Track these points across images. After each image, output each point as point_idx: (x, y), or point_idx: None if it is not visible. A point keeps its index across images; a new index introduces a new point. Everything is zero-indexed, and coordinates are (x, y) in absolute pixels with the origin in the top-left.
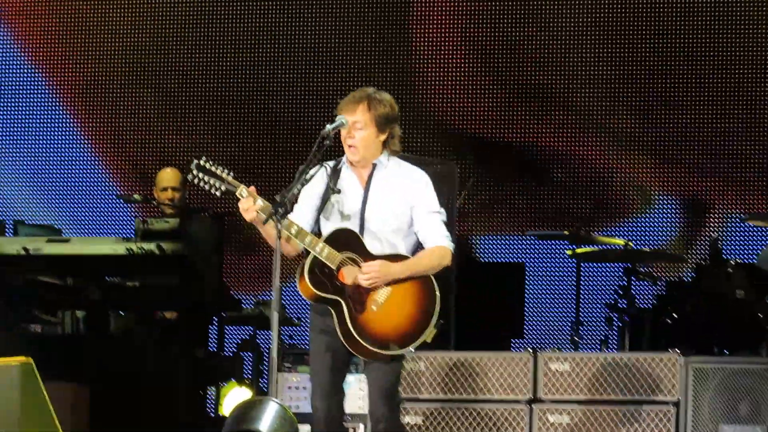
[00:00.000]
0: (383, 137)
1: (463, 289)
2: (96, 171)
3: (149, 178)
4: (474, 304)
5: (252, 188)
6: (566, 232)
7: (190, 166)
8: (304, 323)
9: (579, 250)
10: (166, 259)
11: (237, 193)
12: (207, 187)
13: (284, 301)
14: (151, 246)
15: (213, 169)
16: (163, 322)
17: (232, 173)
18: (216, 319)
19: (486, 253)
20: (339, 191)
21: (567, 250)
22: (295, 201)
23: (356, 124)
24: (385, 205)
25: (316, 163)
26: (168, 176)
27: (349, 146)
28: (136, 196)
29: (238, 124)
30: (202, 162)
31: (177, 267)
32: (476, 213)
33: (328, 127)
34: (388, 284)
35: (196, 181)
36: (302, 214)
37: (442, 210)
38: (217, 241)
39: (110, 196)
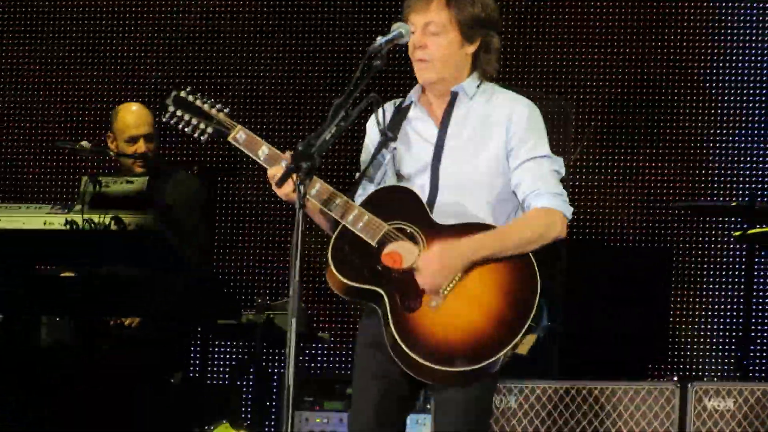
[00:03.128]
0: (472, 48)
1: (576, 286)
2: (20, 105)
3: (101, 119)
4: (592, 309)
5: (289, 154)
6: (734, 203)
7: (165, 101)
8: (341, 341)
9: (753, 231)
10: (127, 237)
11: (231, 137)
12: (189, 129)
13: (310, 302)
14: (105, 218)
15: (198, 103)
16: (120, 333)
17: (226, 109)
18: (201, 330)
19: (612, 233)
20: (394, 138)
21: (734, 230)
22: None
23: (429, 26)
24: (468, 150)
25: (359, 97)
26: (136, 119)
27: (419, 60)
28: (83, 144)
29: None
30: (183, 94)
31: (144, 250)
32: (599, 173)
33: (380, 39)
34: None
35: (173, 121)
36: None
37: (555, 157)
38: (205, 212)
39: (42, 145)
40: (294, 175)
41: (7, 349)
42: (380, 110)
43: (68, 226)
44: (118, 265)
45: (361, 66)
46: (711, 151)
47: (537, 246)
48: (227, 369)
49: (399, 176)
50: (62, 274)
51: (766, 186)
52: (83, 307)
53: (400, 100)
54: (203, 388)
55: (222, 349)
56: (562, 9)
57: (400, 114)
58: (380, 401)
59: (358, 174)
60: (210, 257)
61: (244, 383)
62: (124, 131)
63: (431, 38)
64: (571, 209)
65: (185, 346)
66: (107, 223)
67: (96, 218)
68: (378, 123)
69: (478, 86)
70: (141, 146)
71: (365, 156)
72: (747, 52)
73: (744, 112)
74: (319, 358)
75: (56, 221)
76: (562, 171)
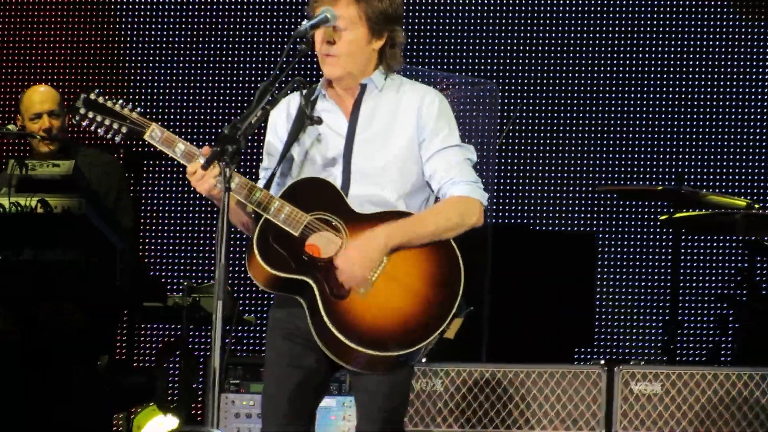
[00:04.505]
0: (378, 44)
1: (503, 272)
2: None
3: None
4: (518, 295)
5: (206, 149)
6: (659, 188)
7: (75, 104)
8: (264, 321)
9: (678, 215)
10: (54, 220)
11: (146, 136)
12: (101, 130)
13: (235, 286)
14: (31, 201)
15: (109, 105)
16: (45, 317)
17: (139, 109)
18: (127, 313)
19: (538, 217)
20: (320, 121)
21: (661, 214)
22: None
23: (338, 22)
24: (378, 142)
25: (285, 82)
26: (40, 96)
27: (326, 55)
28: (9, 127)
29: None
30: (92, 96)
31: (71, 233)
32: (525, 157)
33: (306, 23)
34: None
35: (85, 123)
36: (261, 167)
37: (467, 145)
38: (123, 188)
39: None
40: (218, 161)
41: None
42: (304, 95)
43: None
44: (45, 249)
45: (287, 50)
46: (637, 135)
47: (454, 233)
48: (153, 352)
49: (310, 168)
50: None
51: (692, 170)
52: (7, 291)
53: (305, 91)
54: (129, 371)
55: (148, 332)
56: None
57: (309, 106)
58: (295, 390)
59: (263, 168)
60: (136, 242)
61: (171, 366)
62: (29, 109)
63: (339, 33)
64: (487, 195)
65: (111, 329)
66: (34, 206)
67: (22, 201)
68: (305, 106)
69: (386, 78)
70: (44, 122)
71: (271, 149)
72: (672, 36)
73: (671, 95)
74: (245, 341)
75: None
76: (474, 158)
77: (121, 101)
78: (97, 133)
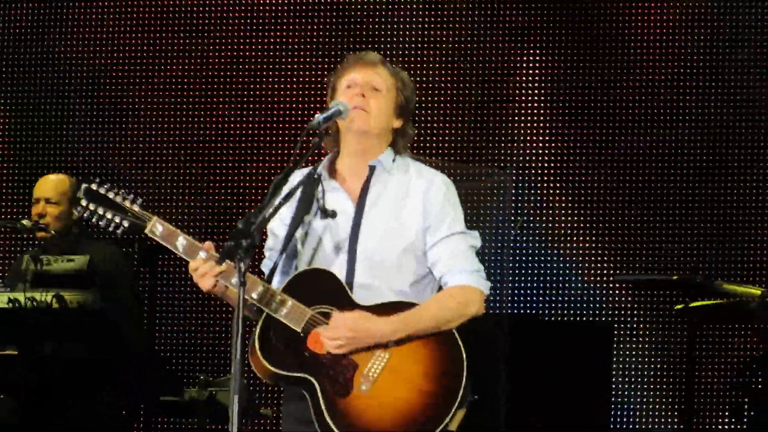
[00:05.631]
0: (397, 123)
1: (519, 362)
2: None
3: None
4: (535, 384)
5: (208, 244)
6: (675, 277)
7: (77, 194)
8: (280, 413)
9: (694, 304)
10: (69, 315)
11: (147, 230)
12: (103, 223)
13: (251, 378)
14: (47, 296)
15: (110, 196)
16: (56, 412)
17: (140, 200)
18: (144, 407)
19: (554, 308)
20: (334, 214)
21: (676, 304)
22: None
23: (373, 82)
24: (386, 228)
25: (297, 173)
26: (44, 183)
27: (359, 107)
28: (24, 222)
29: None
30: (93, 186)
31: (86, 328)
32: (540, 247)
33: (319, 116)
34: (384, 347)
35: (86, 215)
36: (266, 247)
37: (471, 232)
38: (130, 279)
39: None
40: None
41: None
42: (320, 189)
43: (11, 305)
44: (62, 343)
45: (300, 143)
46: (652, 225)
47: (455, 324)
48: None
49: (315, 254)
50: (4, 352)
51: (706, 259)
52: (20, 387)
53: (313, 174)
54: None
55: (165, 427)
56: (496, 84)
57: (310, 189)
58: None
59: (268, 248)
60: (152, 336)
61: None
62: (33, 194)
63: (374, 93)
64: (489, 284)
65: (130, 425)
66: (49, 301)
67: (38, 297)
68: (318, 200)
69: (394, 160)
70: (39, 208)
71: (274, 229)
72: (685, 124)
73: (685, 185)
74: None
75: None
76: (478, 244)
77: (123, 192)
78: (99, 226)
